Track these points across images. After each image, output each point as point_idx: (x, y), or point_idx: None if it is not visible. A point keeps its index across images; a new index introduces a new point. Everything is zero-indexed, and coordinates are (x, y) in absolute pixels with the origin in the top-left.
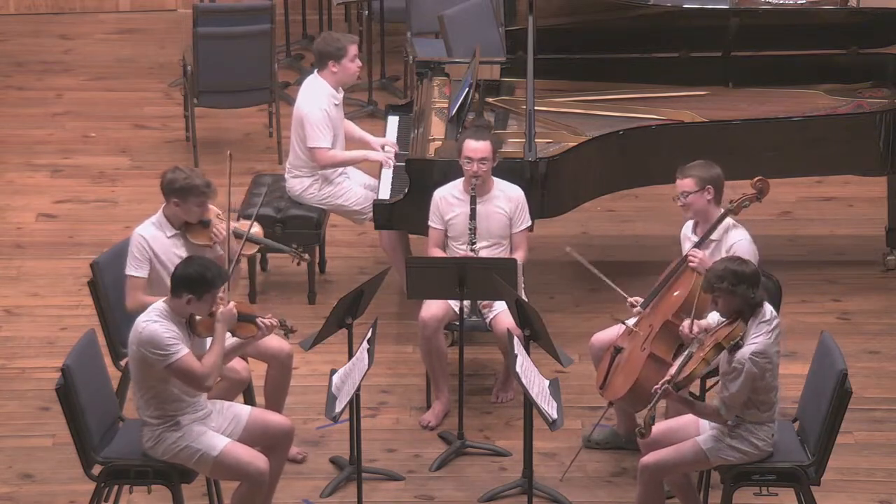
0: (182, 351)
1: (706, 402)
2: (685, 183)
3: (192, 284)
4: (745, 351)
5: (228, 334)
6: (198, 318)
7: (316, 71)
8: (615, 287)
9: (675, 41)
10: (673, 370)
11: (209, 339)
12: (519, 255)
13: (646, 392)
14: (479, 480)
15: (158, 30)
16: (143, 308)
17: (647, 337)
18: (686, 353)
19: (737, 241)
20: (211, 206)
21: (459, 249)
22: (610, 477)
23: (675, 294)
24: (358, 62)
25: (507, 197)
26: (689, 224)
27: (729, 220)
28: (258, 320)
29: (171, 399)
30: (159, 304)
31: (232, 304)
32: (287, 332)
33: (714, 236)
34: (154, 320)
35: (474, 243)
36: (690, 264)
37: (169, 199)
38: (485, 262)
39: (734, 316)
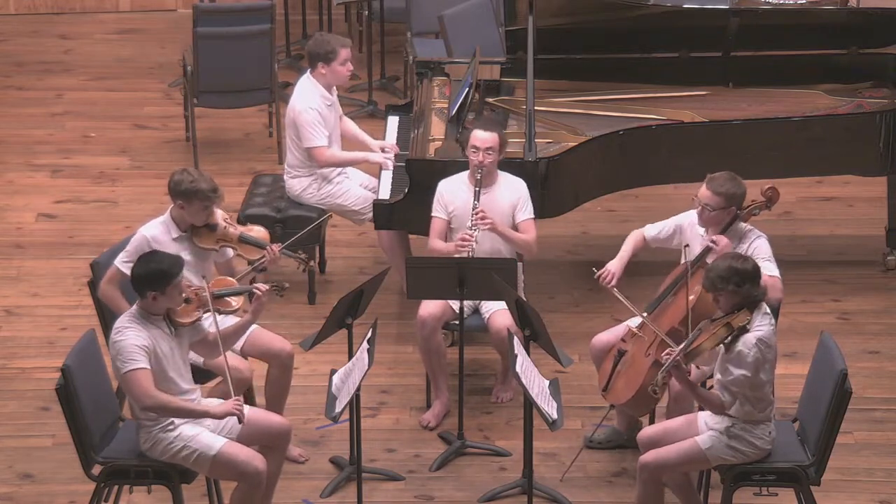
0: (137, 364)
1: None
2: (715, 200)
3: (151, 282)
4: (752, 337)
5: (223, 317)
6: (176, 309)
7: (309, 71)
8: (649, 324)
9: (675, 41)
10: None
11: (207, 321)
12: (530, 238)
13: (648, 399)
14: (479, 480)
15: (158, 30)
16: (108, 299)
17: (651, 342)
18: (695, 330)
19: (755, 238)
20: (218, 210)
21: None
22: (610, 477)
23: (683, 302)
24: (349, 66)
25: (510, 188)
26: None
27: (747, 226)
28: (252, 287)
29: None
30: (133, 309)
31: (230, 406)
32: (279, 291)
33: (733, 239)
34: (127, 327)
35: (475, 225)
36: (712, 246)
37: (174, 201)
38: (485, 262)
39: (735, 309)
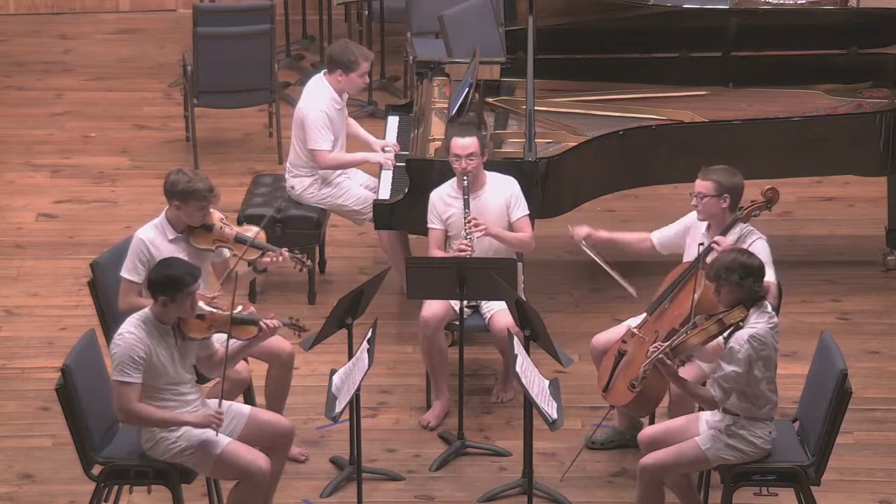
0: (130, 378)
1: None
2: (705, 185)
3: (162, 287)
4: (744, 333)
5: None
6: (189, 321)
7: (323, 73)
8: (626, 284)
9: (675, 41)
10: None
11: (214, 338)
12: (526, 238)
13: (649, 400)
14: (479, 480)
15: (158, 30)
16: (133, 310)
17: (651, 343)
18: (688, 325)
19: (754, 241)
20: (214, 210)
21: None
22: (610, 477)
23: (684, 302)
24: (366, 78)
25: (500, 188)
26: (702, 225)
27: (744, 227)
28: (261, 322)
29: (160, 397)
30: (144, 312)
31: (210, 413)
32: (298, 330)
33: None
34: (130, 332)
35: (469, 233)
36: (715, 248)
37: (171, 202)
38: (485, 262)
39: (735, 305)
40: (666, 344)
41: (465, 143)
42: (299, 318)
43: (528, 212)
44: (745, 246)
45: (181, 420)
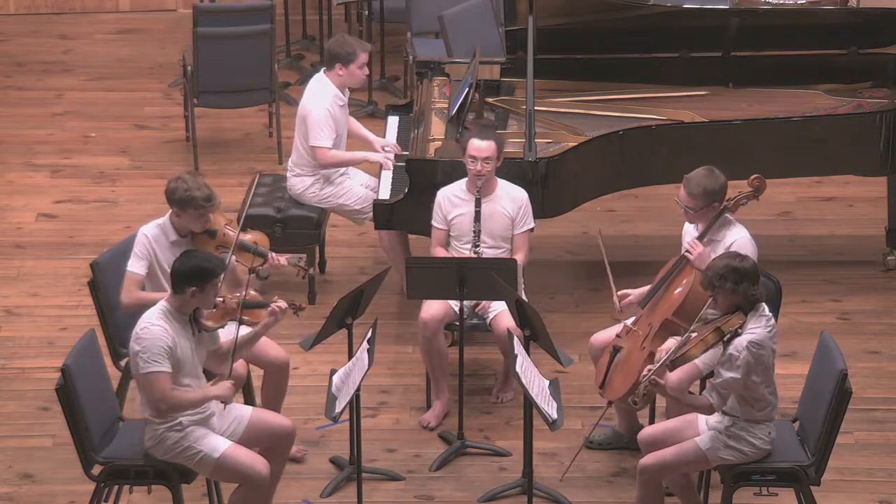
0: (160, 367)
1: (696, 395)
2: (693, 203)
3: (193, 277)
4: (743, 339)
5: (242, 327)
6: (204, 311)
7: (323, 70)
8: (613, 287)
9: (675, 41)
10: (669, 352)
11: (221, 332)
12: (519, 257)
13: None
14: (479, 480)
15: (158, 30)
16: (136, 303)
17: (646, 336)
18: (684, 336)
19: (737, 238)
20: (219, 215)
21: (462, 249)
22: (610, 477)
23: (676, 292)
24: (366, 70)
25: (510, 198)
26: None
27: (728, 218)
28: (271, 305)
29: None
30: (162, 304)
31: (229, 382)
32: (296, 310)
33: (713, 234)
34: (155, 324)
35: (478, 246)
36: (688, 255)
37: (171, 208)
38: (485, 262)
39: (733, 310)
40: (665, 357)
41: (483, 146)
42: (294, 299)
43: (532, 226)
44: (724, 241)
45: (210, 395)
